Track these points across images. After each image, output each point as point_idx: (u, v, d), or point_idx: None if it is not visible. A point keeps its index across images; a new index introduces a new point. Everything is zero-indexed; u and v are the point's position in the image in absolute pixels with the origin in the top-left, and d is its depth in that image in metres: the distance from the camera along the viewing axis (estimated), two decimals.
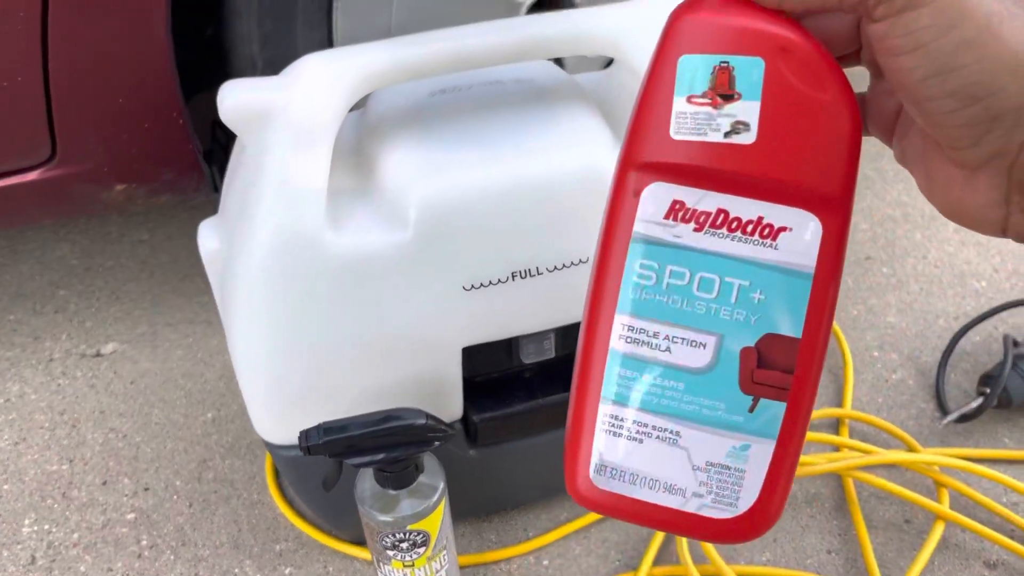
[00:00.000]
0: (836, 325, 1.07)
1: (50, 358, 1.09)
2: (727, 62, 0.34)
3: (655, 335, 0.36)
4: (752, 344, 0.35)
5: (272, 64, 0.89)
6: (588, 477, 0.37)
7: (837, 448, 0.93)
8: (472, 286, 0.67)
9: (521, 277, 0.67)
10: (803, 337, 0.35)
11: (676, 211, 0.35)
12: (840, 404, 0.99)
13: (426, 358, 0.69)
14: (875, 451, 0.89)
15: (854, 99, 0.35)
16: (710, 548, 0.81)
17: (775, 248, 0.35)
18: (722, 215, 0.35)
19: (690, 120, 0.34)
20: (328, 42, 0.91)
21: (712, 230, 0.35)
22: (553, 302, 0.69)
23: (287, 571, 0.85)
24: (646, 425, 0.37)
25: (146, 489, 0.93)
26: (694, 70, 0.34)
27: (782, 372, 0.36)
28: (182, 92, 0.88)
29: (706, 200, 0.35)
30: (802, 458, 0.88)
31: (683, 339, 0.36)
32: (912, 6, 0.30)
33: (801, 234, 0.35)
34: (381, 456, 0.64)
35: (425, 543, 0.68)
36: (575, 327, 0.72)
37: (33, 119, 0.83)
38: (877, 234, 1.24)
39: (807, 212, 0.35)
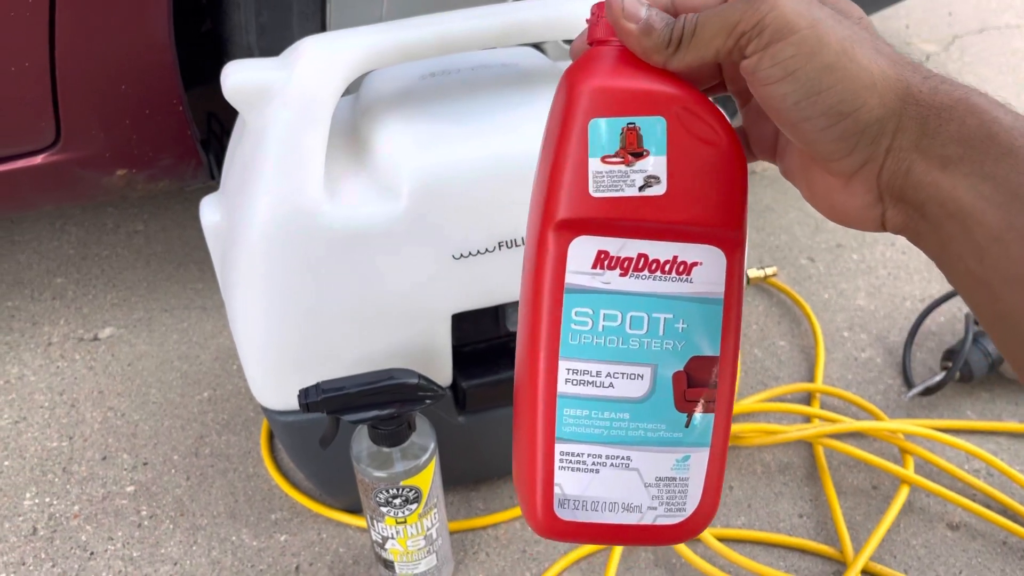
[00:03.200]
0: (807, 306, 1.12)
1: (48, 342, 1.12)
2: (633, 123, 0.38)
3: (598, 374, 0.40)
4: (682, 368, 0.40)
5: (268, 53, 0.92)
6: (551, 511, 0.41)
7: (808, 419, 0.97)
8: (461, 255, 0.71)
9: (507, 247, 0.71)
10: (721, 354, 0.41)
11: (602, 260, 0.39)
12: (812, 380, 1.03)
13: (418, 324, 0.73)
14: (844, 420, 0.94)
15: (739, 142, 0.39)
16: None
17: (690, 282, 0.40)
18: (643, 259, 0.39)
19: (606, 178, 0.38)
20: (322, 31, 0.95)
21: (636, 273, 0.39)
22: None
23: (282, 538, 0.88)
24: (600, 456, 0.41)
25: (145, 464, 0.96)
26: (604, 132, 0.38)
27: (708, 388, 0.41)
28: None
29: (627, 247, 0.39)
30: (774, 427, 0.92)
31: (623, 373, 0.40)
32: (777, 39, 0.34)
33: (710, 267, 0.40)
34: (375, 413, 0.68)
35: (417, 499, 0.72)
36: None
37: (39, 104, 0.86)
38: None
39: (713, 247, 0.40)
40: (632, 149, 0.38)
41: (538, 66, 0.78)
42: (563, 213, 0.38)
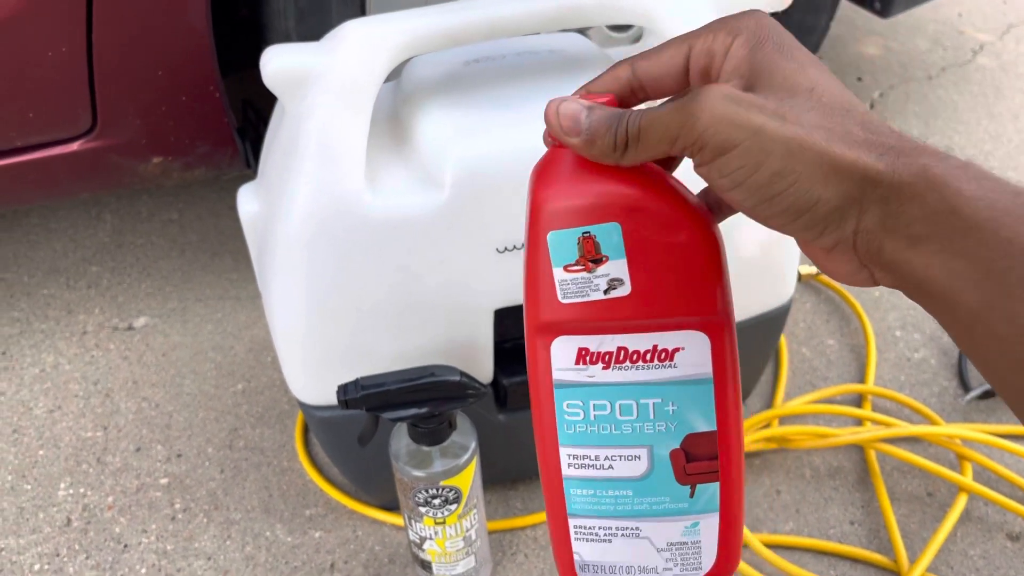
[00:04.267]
0: (857, 304, 1.08)
1: (83, 331, 1.11)
2: (588, 232, 0.38)
3: (596, 458, 0.42)
4: (678, 446, 0.41)
5: (307, 39, 0.90)
6: (576, 574, 0.44)
7: (859, 422, 0.94)
8: (505, 248, 0.68)
9: None
10: (719, 427, 0.41)
11: (583, 356, 0.40)
12: (863, 381, 0.99)
13: (459, 320, 0.71)
14: (898, 424, 0.90)
15: (707, 226, 0.38)
16: None
17: (675, 367, 0.40)
18: (622, 351, 0.40)
19: (571, 286, 0.39)
20: (362, 16, 0.93)
21: (618, 365, 0.40)
22: None
23: (317, 534, 0.86)
24: (610, 528, 0.43)
25: (179, 455, 0.95)
26: (563, 243, 0.38)
27: (709, 460, 0.41)
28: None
29: (606, 343, 0.40)
30: (824, 430, 0.89)
31: (620, 456, 0.41)
32: (720, 153, 0.33)
33: (693, 350, 0.40)
34: (415, 411, 0.65)
35: (456, 500, 0.70)
36: None
37: (76, 90, 0.85)
38: None
39: (694, 331, 0.39)
40: (591, 256, 0.38)
41: (585, 52, 0.75)
42: (540, 318, 0.40)
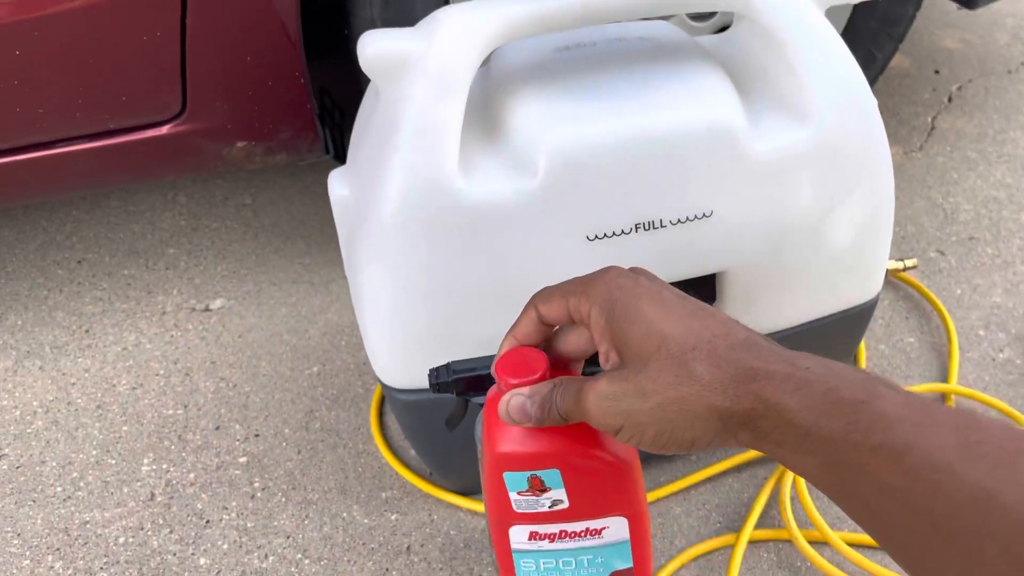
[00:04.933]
0: (939, 302, 1.06)
1: (163, 311, 1.14)
2: (535, 474, 0.52)
3: None
4: None
5: (391, 25, 0.91)
6: None
7: None
8: (596, 236, 0.68)
9: (644, 229, 0.68)
10: (634, 562, 0.59)
11: (534, 536, 0.57)
12: (945, 381, 0.97)
13: None
14: None
15: (626, 455, 0.52)
16: (815, 513, 0.81)
17: (602, 537, 0.57)
18: (563, 532, 0.56)
19: (523, 503, 0.54)
20: (445, 2, 0.93)
21: (560, 540, 0.57)
22: (674, 255, 0.70)
23: (393, 517, 0.87)
24: None
25: (256, 435, 0.97)
26: (515, 479, 0.52)
27: None
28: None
29: (550, 528, 0.56)
30: None
31: None
32: (613, 432, 0.44)
33: (616, 526, 0.56)
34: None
35: None
36: (694, 282, 0.73)
37: (168, 74, 0.87)
38: (981, 215, 1.22)
39: (616, 516, 0.56)
40: (538, 487, 0.53)
41: (677, 40, 0.75)
42: (499, 517, 0.56)
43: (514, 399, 0.48)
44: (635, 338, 0.43)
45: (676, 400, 0.41)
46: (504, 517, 0.56)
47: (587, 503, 0.54)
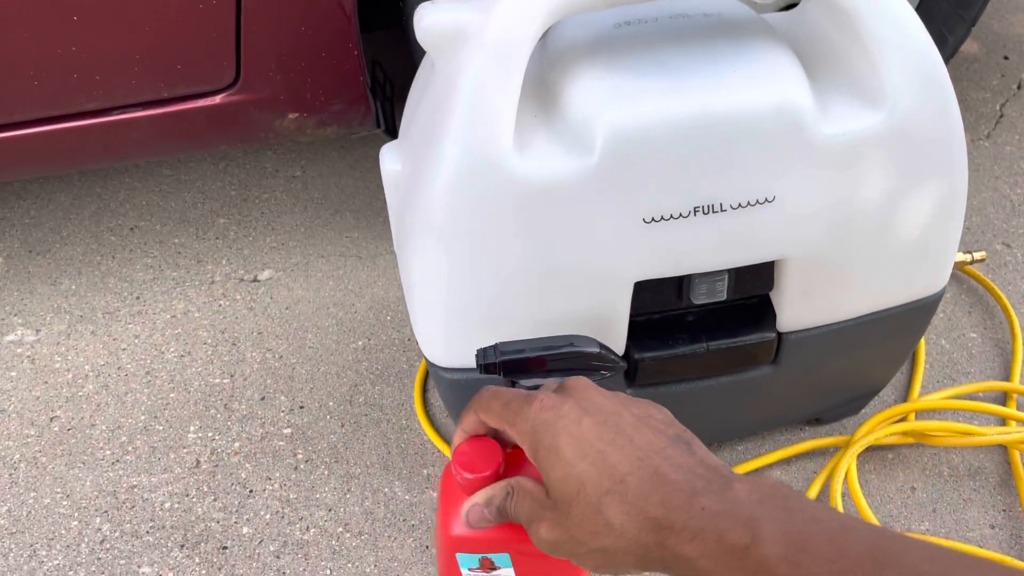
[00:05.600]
0: (1004, 297, 1.02)
1: (212, 280, 1.15)
2: (487, 556, 0.56)
3: None
4: None
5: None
6: None
7: (1003, 421, 0.88)
8: (652, 219, 0.66)
9: (703, 213, 0.66)
10: None
11: None
12: (1007, 379, 0.94)
13: (598, 290, 0.69)
14: None
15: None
16: (867, 511, 0.79)
17: None
18: None
19: None
20: None
21: None
22: (733, 241, 0.68)
23: (434, 495, 0.87)
24: None
25: (301, 407, 0.97)
26: (467, 559, 0.57)
27: None
28: None
29: None
30: (968, 427, 0.84)
31: None
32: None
33: None
34: (552, 379, 0.64)
35: None
36: (751, 269, 0.71)
37: (223, 43, 0.86)
38: None
39: None
40: (488, 566, 0.57)
41: (741, 17, 0.72)
42: None
43: (472, 511, 0.51)
44: (557, 482, 0.45)
45: (602, 550, 0.44)
46: None
47: None
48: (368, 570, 0.81)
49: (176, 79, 0.89)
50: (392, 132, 1.03)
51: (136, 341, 1.06)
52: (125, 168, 1.35)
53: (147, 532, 0.86)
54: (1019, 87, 1.42)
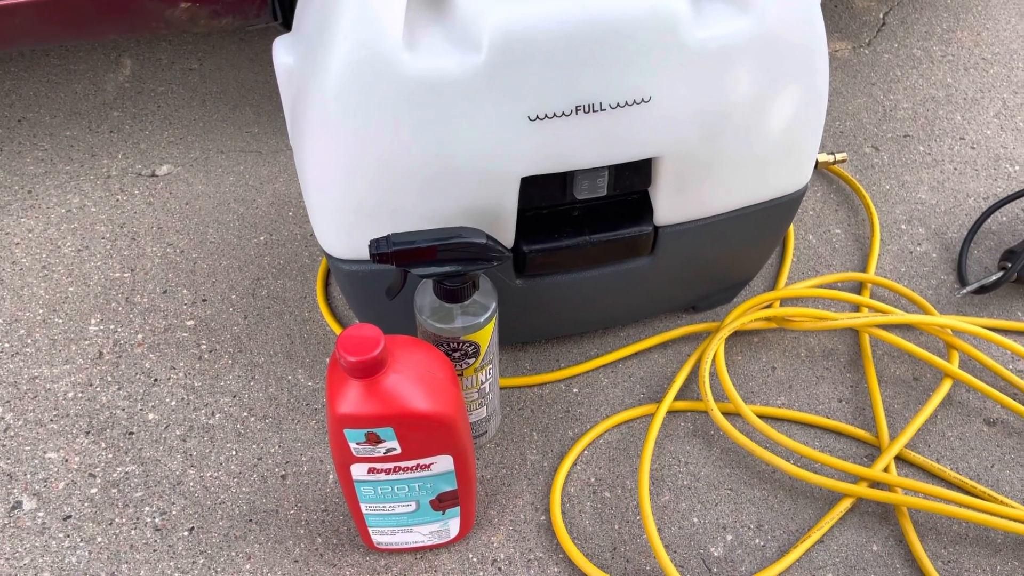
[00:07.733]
0: (867, 196, 1.10)
1: (108, 175, 1.13)
2: (372, 431, 0.63)
3: (383, 507, 0.73)
4: (434, 497, 0.72)
5: None
6: (375, 546, 0.78)
7: (857, 308, 0.98)
8: (537, 116, 0.70)
9: (584, 112, 0.70)
10: (459, 485, 0.72)
11: (372, 471, 0.68)
12: (864, 270, 1.03)
13: (487, 185, 0.73)
14: (894, 311, 0.94)
15: (445, 412, 0.65)
16: (730, 387, 0.87)
17: (431, 469, 0.69)
18: (396, 467, 0.68)
19: (362, 449, 0.65)
20: None
21: (395, 473, 0.69)
22: (612, 139, 0.72)
23: None
24: (394, 530, 0.76)
25: (204, 300, 0.99)
26: (354, 435, 0.64)
27: (452, 500, 0.73)
28: None
29: (386, 463, 0.67)
30: (823, 313, 0.93)
31: (398, 506, 0.73)
32: None
33: (442, 461, 0.69)
34: (442, 269, 0.69)
35: (475, 354, 0.74)
36: (629, 166, 0.76)
37: None
38: (918, 113, 1.25)
39: (442, 455, 0.68)
40: (374, 440, 0.64)
41: None
42: (341, 458, 0.67)
43: None
44: None
45: None
46: (345, 460, 0.67)
47: (416, 448, 0.67)
48: (272, 450, 0.86)
49: None
50: (289, 25, 1.02)
51: (30, 235, 1.05)
52: (9, 56, 1.29)
53: (51, 420, 0.88)
54: None
